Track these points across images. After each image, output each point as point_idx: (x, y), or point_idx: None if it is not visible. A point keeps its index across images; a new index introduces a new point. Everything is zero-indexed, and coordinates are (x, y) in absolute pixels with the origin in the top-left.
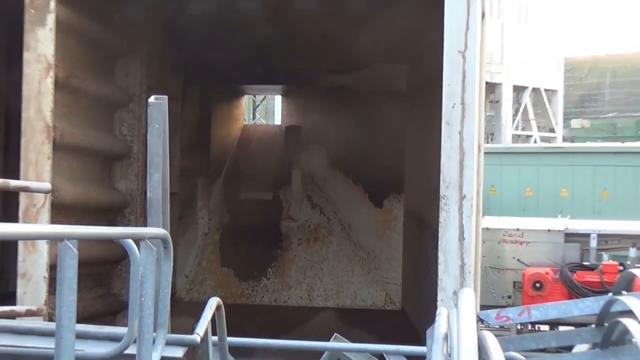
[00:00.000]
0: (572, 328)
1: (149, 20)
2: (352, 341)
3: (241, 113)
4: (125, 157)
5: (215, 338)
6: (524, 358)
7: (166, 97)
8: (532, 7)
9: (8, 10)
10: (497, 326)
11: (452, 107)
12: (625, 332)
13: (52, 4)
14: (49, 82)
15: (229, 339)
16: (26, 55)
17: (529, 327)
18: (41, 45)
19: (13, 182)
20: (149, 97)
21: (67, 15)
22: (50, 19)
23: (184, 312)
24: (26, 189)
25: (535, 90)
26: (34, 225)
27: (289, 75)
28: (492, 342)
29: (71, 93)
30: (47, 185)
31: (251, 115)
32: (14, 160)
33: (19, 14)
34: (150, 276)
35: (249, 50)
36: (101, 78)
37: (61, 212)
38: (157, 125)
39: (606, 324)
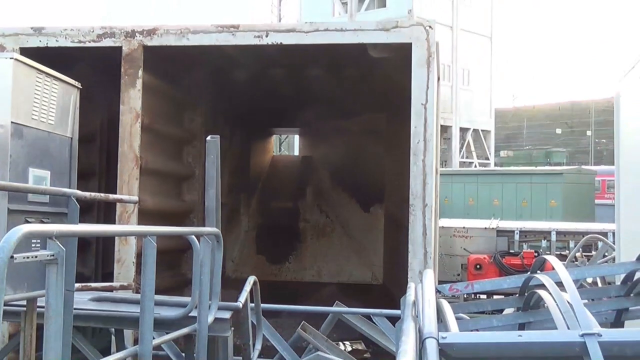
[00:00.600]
0: (502, 297)
1: (207, 82)
2: (349, 307)
3: (271, 147)
4: (190, 178)
5: (253, 304)
6: (468, 317)
7: (218, 136)
8: (472, 73)
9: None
10: (450, 296)
11: (417, 142)
12: (539, 299)
13: (140, 72)
14: (138, 126)
15: (262, 305)
16: (122, 108)
17: (472, 296)
18: (132, 100)
19: (112, 196)
20: (207, 136)
21: (150, 80)
22: (139, 83)
23: (231, 286)
24: (121, 200)
25: (475, 131)
26: (126, 226)
27: (304, 122)
28: (447, 307)
29: (152, 134)
30: (135, 198)
31: (278, 148)
32: (113, 183)
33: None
34: (207, 261)
35: (276, 104)
36: (174, 123)
37: (145, 217)
38: (212, 156)
39: (526, 294)
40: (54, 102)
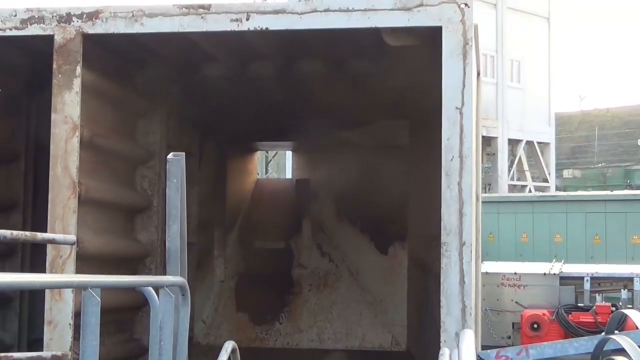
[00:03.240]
0: None
1: (168, 83)
2: None
3: (254, 167)
4: (146, 210)
5: None
6: None
7: (183, 154)
8: (524, 66)
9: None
10: None
11: (451, 159)
12: None
13: (78, 69)
14: (75, 142)
15: None
16: (54, 117)
17: None
18: (68, 107)
19: (41, 235)
20: (168, 154)
21: (92, 79)
22: (77, 83)
23: (201, 356)
24: (53, 241)
25: (529, 143)
26: (60, 275)
27: (298, 134)
28: None
29: (95, 151)
30: (72, 238)
31: (264, 170)
32: (44, 215)
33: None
34: (169, 322)
35: (260, 109)
36: (124, 137)
37: (86, 262)
38: (175, 180)
39: None
40: None
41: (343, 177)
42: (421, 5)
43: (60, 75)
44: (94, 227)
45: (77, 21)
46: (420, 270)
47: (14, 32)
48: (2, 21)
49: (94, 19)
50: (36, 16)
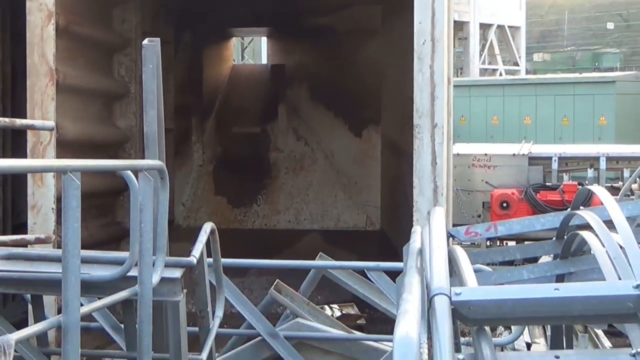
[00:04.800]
0: (535, 242)
1: None
2: (336, 260)
3: (230, 54)
4: (124, 97)
5: (211, 260)
6: (490, 269)
7: (159, 39)
8: None
9: None
10: (468, 242)
11: (423, 43)
12: (583, 243)
13: None
14: (51, 29)
15: (223, 260)
16: (29, 5)
17: (497, 242)
18: None
19: (19, 121)
20: (144, 40)
21: None
22: None
23: (182, 237)
24: (32, 127)
25: (500, 27)
26: (39, 160)
27: (275, 17)
28: (462, 255)
29: (72, 39)
30: (51, 124)
31: (240, 56)
32: (22, 105)
33: None
34: (148, 204)
35: None
36: (100, 24)
37: (65, 148)
38: (151, 66)
39: (566, 237)
40: None
41: (317, 63)
42: None
43: None
44: (73, 114)
45: None
46: (393, 152)
47: None
48: None
49: None
50: None
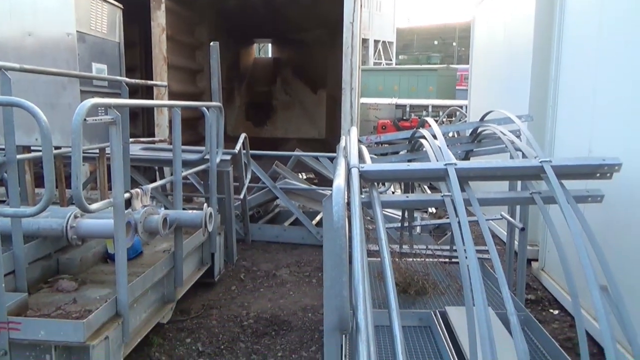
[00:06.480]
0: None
1: (209, 5)
2: (304, 152)
3: (253, 51)
4: (201, 72)
5: (244, 151)
6: (376, 156)
7: (218, 42)
8: (383, 3)
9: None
10: (366, 144)
11: (347, 48)
12: (421, 145)
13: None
14: (164, 36)
15: (250, 151)
16: (152, 24)
17: (380, 145)
18: (159, 18)
19: (150, 82)
20: (210, 43)
21: (171, 5)
22: (163, 6)
23: (230, 141)
24: (155, 85)
25: (384, 42)
26: (160, 101)
27: (275, 34)
28: (364, 150)
29: (174, 41)
30: (165, 84)
31: (258, 52)
32: (150, 75)
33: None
34: (214, 124)
35: (255, 21)
36: (188, 34)
37: (172, 97)
38: (214, 56)
39: (412, 142)
40: (105, 18)
41: (296, 57)
42: None
43: (154, 2)
44: (176, 79)
45: None
46: (332, 101)
47: None
48: None
49: None
50: None
